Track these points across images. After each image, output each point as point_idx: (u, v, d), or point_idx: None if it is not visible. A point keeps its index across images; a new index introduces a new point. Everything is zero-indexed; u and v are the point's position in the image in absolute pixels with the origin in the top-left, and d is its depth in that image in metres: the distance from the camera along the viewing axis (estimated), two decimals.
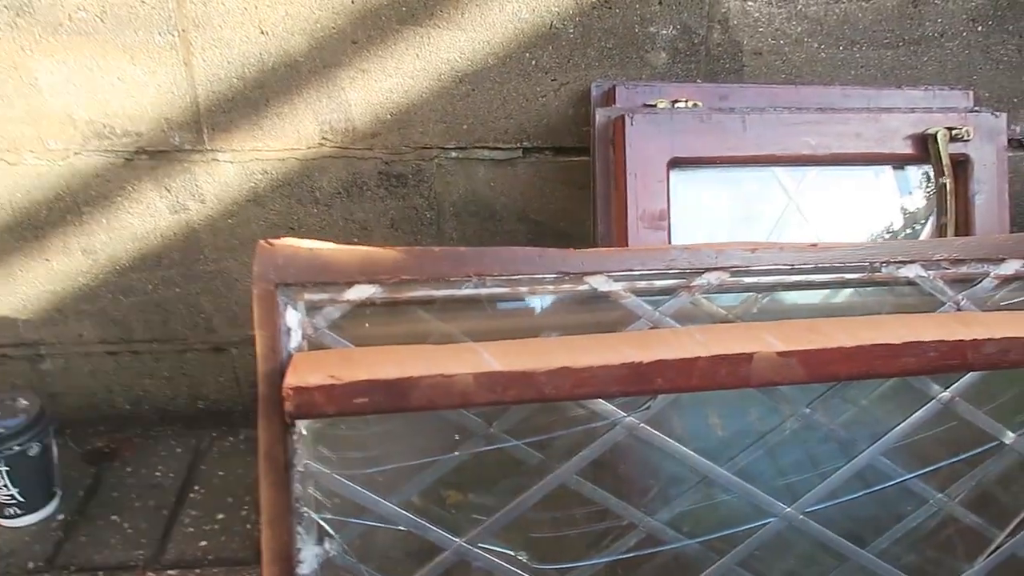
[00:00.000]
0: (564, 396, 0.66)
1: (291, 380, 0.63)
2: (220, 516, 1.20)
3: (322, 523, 0.71)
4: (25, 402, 1.13)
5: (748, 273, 0.76)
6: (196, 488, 1.25)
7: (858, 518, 0.89)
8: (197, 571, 1.10)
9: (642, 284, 0.75)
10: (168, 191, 1.14)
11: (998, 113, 1.04)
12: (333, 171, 1.15)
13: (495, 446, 0.74)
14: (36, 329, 1.23)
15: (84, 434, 1.34)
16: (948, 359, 0.71)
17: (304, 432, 0.69)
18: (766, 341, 0.69)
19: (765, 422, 0.93)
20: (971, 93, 1.13)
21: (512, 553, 0.75)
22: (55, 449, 1.18)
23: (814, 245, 0.76)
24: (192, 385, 1.31)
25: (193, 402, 1.33)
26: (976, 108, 1.09)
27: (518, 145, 1.16)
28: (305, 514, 0.71)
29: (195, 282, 1.21)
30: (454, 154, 1.15)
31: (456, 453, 0.72)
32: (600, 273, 0.73)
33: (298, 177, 1.15)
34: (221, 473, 1.28)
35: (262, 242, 0.68)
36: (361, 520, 0.74)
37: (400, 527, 0.73)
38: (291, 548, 0.71)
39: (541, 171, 1.17)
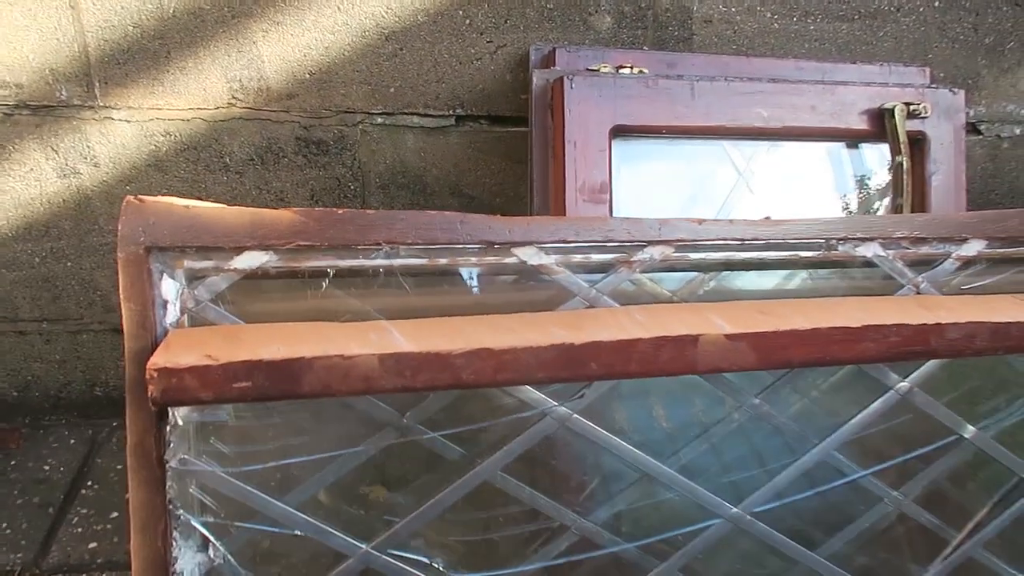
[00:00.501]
0: (484, 382, 0.57)
1: (157, 360, 0.53)
2: (114, 515, 1.08)
3: (202, 528, 0.61)
4: None
5: (695, 248, 0.68)
6: (89, 484, 1.13)
7: (806, 517, 0.83)
8: None
9: (577, 258, 0.67)
10: (55, 152, 1.01)
11: (956, 90, 0.98)
12: (245, 135, 1.04)
13: (408, 438, 0.64)
14: None
15: None
16: (910, 345, 0.64)
17: (180, 422, 0.59)
18: (713, 322, 0.62)
19: (709, 414, 0.86)
20: (927, 71, 1.08)
21: (427, 560, 0.66)
22: None
23: (767, 219, 0.69)
24: (88, 369, 1.19)
25: (89, 388, 1.21)
26: (933, 85, 1.04)
27: (451, 112, 1.06)
28: (182, 517, 0.61)
29: (89, 255, 1.09)
30: (380, 120, 1.05)
31: (360, 448, 0.63)
32: (530, 244, 0.65)
33: (205, 140, 1.03)
34: (119, 467, 1.16)
35: (129, 198, 0.57)
36: (251, 524, 0.64)
37: (296, 532, 0.63)
38: (166, 556, 0.61)
39: (476, 141, 1.08)
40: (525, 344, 0.57)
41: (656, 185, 0.96)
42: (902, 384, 0.72)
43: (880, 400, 0.73)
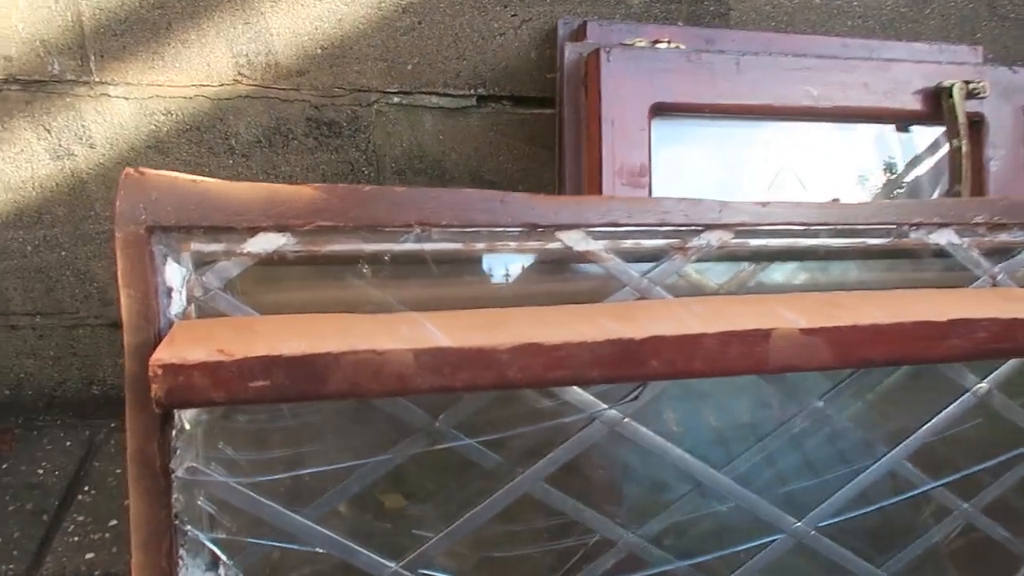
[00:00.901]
0: (532, 381, 0.50)
1: (162, 355, 0.46)
2: (113, 523, 1.01)
3: (211, 545, 0.55)
4: None
5: (756, 233, 0.61)
6: (86, 489, 1.06)
7: (865, 532, 0.76)
8: None
9: (627, 244, 0.60)
10: (48, 131, 0.94)
11: (1017, 68, 0.92)
12: (252, 114, 0.97)
13: (442, 445, 0.58)
14: None
15: None
16: (999, 342, 0.58)
17: (187, 426, 0.52)
18: (783, 316, 0.55)
19: (758, 418, 0.80)
20: (980, 49, 1.01)
21: None
22: None
23: (835, 200, 0.62)
24: (85, 367, 1.12)
25: (86, 387, 1.14)
26: (989, 63, 0.97)
27: (472, 92, 0.99)
28: (190, 533, 0.54)
29: (85, 244, 1.02)
30: (397, 99, 0.98)
31: (388, 455, 0.56)
32: (577, 227, 0.58)
33: (209, 120, 0.96)
34: (118, 471, 1.09)
35: (129, 170, 0.50)
36: (266, 540, 0.58)
37: (319, 549, 0.57)
38: None
39: (498, 124, 1.01)
40: (579, 339, 0.50)
41: (696, 169, 0.89)
42: (980, 386, 0.66)
43: (956, 404, 0.66)
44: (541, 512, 0.69)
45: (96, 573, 0.94)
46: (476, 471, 0.66)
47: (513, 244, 0.58)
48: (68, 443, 1.12)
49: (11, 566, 0.94)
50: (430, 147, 1.01)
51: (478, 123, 1.01)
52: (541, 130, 1.02)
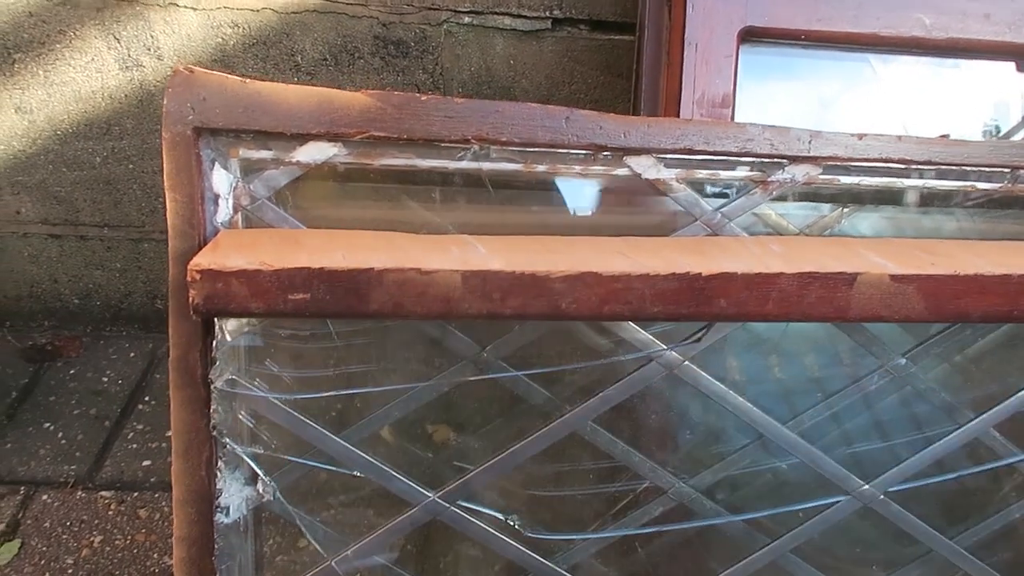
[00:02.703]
0: (586, 314, 0.47)
1: (202, 260, 0.44)
2: (170, 433, 1.03)
3: (249, 460, 0.54)
4: None
5: (848, 169, 0.55)
6: (146, 399, 1.08)
7: (937, 501, 0.71)
8: (135, 494, 0.94)
9: (702, 174, 0.55)
10: (117, 41, 0.94)
11: None
12: (319, 31, 0.94)
13: (487, 376, 0.55)
14: None
15: (26, 328, 1.17)
16: None
17: (228, 337, 0.51)
18: (872, 260, 0.50)
19: (829, 372, 0.74)
20: None
21: (501, 516, 0.57)
22: None
23: (944, 136, 0.56)
24: (149, 281, 1.14)
25: (150, 300, 1.15)
26: None
27: (547, 14, 0.94)
28: (228, 446, 0.53)
29: (151, 158, 1.02)
30: (468, 19, 0.93)
31: (432, 382, 0.53)
32: (647, 152, 0.53)
33: (276, 35, 0.94)
34: None
35: (178, 66, 0.48)
36: (305, 460, 0.56)
37: (356, 472, 0.55)
38: (210, 487, 0.54)
39: (573, 50, 0.96)
40: (640, 271, 0.46)
41: (783, 107, 0.83)
42: None
43: None
44: (588, 454, 0.66)
45: (152, 479, 0.96)
46: (524, 407, 0.63)
47: (576, 167, 0.54)
48: (132, 354, 1.15)
49: (73, 467, 0.97)
50: (499, 72, 0.97)
51: (551, 48, 0.95)
52: (618, 58, 0.96)
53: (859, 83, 0.82)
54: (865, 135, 0.54)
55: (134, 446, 1.01)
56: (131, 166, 1.03)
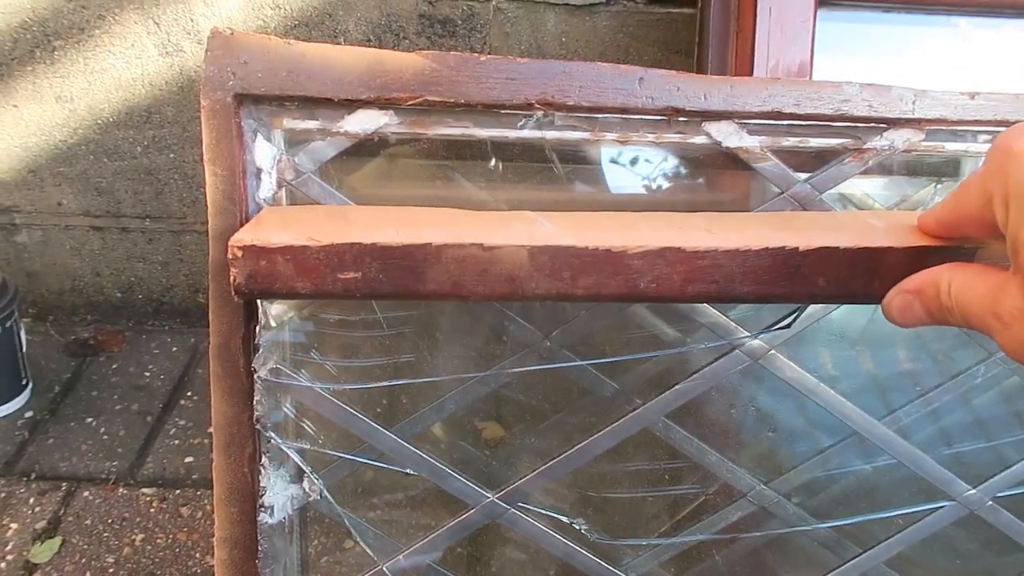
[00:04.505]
0: (668, 294, 0.42)
1: (244, 236, 0.40)
2: (212, 430, 1.00)
3: (295, 456, 0.50)
4: None
5: (955, 134, 0.49)
6: (188, 394, 1.06)
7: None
8: (178, 492, 0.92)
9: (790, 142, 0.50)
10: (157, 25, 0.91)
11: None
12: (362, 10, 0.90)
13: (551, 365, 0.50)
14: (8, 192, 1.03)
15: (68, 322, 1.16)
16: None
17: (272, 323, 0.47)
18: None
19: (922, 366, 0.68)
20: None
21: (566, 520, 0.52)
22: (23, 334, 0.99)
23: None
24: (191, 274, 1.11)
25: (192, 294, 1.13)
26: None
27: None
28: (272, 441, 0.49)
29: (192, 147, 0.99)
30: None
31: (491, 370, 0.49)
32: (729, 117, 0.48)
33: (318, 16, 0.90)
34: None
35: (216, 28, 0.44)
36: (355, 457, 0.52)
37: (410, 471, 0.51)
38: (253, 485, 0.50)
39: (628, 25, 0.90)
40: (729, 246, 0.41)
41: (863, 75, 0.76)
42: None
43: None
44: (658, 452, 0.61)
45: (194, 476, 0.93)
46: (586, 402, 0.58)
47: (650, 135, 0.49)
48: (174, 348, 1.13)
49: (115, 463, 0.95)
50: (551, 50, 0.92)
51: (606, 23, 0.90)
52: (677, 33, 0.90)
53: (946, 50, 0.76)
54: (978, 93, 0.48)
55: (176, 442, 0.98)
56: (172, 155, 1.00)
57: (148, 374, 1.08)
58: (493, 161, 0.58)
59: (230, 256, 0.40)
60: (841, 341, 0.64)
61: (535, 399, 0.66)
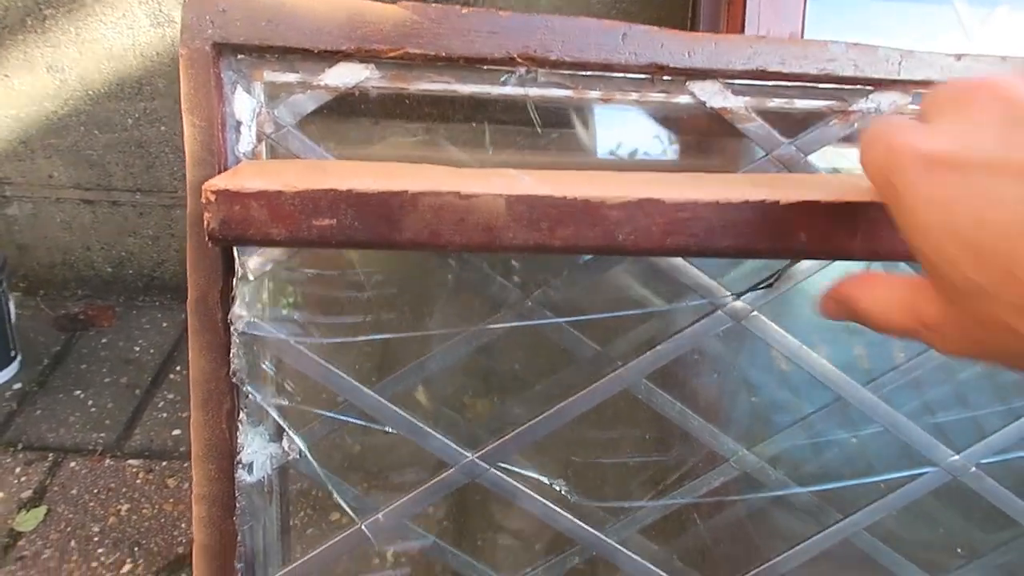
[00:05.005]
0: (646, 246, 0.41)
1: (217, 181, 0.40)
2: None
3: (274, 413, 0.49)
4: None
5: None
6: (178, 368, 1.06)
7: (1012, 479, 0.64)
8: (164, 463, 0.92)
9: (775, 103, 0.49)
10: None
11: None
12: None
13: (530, 322, 0.50)
14: None
15: (59, 297, 1.15)
16: None
17: (250, 276, 0.47)
18: None
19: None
20: None
21: (546, 480, 0.52)
22: (12, 307, 0.99)
23: None
24: (182, 249, 1.11)
25: (183, 269, 1.12)
26: None
27: None
28: (251, 397, 0.49)
29: None
30: None
31: (471, 328, 0.49)
32: (713, 76, 0.47)
33: None
34: None
35: None
36: (334, 414, 0.52)
37: (389, 429, 0.51)
38: (231, 442, 0.50)
39: (622, 0, 0.90)
40: (709, 198, 0.41)
41: None
42: None
43: None
44: (639, 418, 0.61)
45: (181, 449, 0.93)
46: (569, 370, 0.58)
47: (634, 94, 0.48)
48: (164, 324, 1.12)
49: (102, 435, 0.94)
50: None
51: None
52: (673, 10, 0.90)
53: (940, 32, 0.75)
54: (964, 55, 0.47)
55: (164, 415, 0.98)
56: (163, 128, 1.00)
57: (138, 348, 1.08)
58: (475, 123, 0.58)
59: (203, 201, 0.39)
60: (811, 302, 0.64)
61: (519, 366, 0.66)
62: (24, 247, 1.10)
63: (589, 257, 0.52)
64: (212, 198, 0.39)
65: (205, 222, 0.40)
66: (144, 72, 0.96)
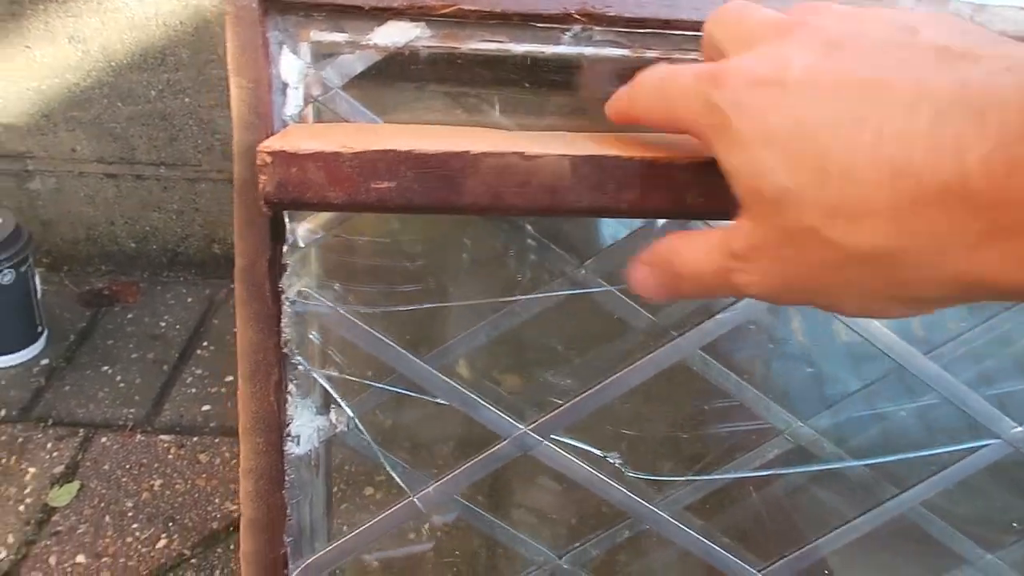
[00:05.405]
0: (718, 209, 0.39)
1: (273, 143, 0.38)
2: (229, 379, 1.00)
3: (324, 383, 0.48)
4: None
5: None
6: (205, 344, 1.05)
7: None
8: (195, 439, 0.91)
9: None
10: None
11: None
12: None
13: (584, 290, 0.49)
14: (21, 138, 1.01)
15: (83, 273, 1.15)
16: None
17: (300, 243, 0.45)
18: None
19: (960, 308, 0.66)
20: None
21: (599, 452, 0.51)
22: (37, 282, 0.98)
23: None
24: (206, 224, 1.10)
25: (207, 244, 1.12)
26: None
27: None
28: (300, 368, 0.48)
29: (208, 91, 0.97)
30: None
31: (525, 296, 0.47)
32: None
33: None
34: (235, 330, 1.07)
35: None
36: (384, 385, 0.51)
37: (440, 400, 0.50)
38: (279, 414, 0.49)
39: None
40: None
41: None
42: None
43: None
44: (695, 391, 0.60)
45: (212, 424, 0.93)
46: (623, 334, 0.57)
47: (694, 53, 0.46)
48: (189, 299, 1.11)
49: (132, 410, 0.94)
50: None
51: None
52: None
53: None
54: (986, 6, 0.45)
55: (193, 391, 0.97)
56: (187, 99, 0.98)
57: (164, 324, 1.07)
58: (523, 88, 0.56)
59: (259, 163, 0.38)
60: None
61: (554, 340, 0.65)
62: (47, 222, 1.09)
63: (642, 223, 0.50)
64: (268, 160, 0.38)
65: (260, 185, 0.38)
66: (167, 42, 0.94)
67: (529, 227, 0.52)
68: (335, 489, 0.84)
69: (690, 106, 0.29)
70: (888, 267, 0.23)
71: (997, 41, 0.22)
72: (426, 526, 0.81)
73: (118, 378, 0.98)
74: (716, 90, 0.27)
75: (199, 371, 1.00)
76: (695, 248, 0.31)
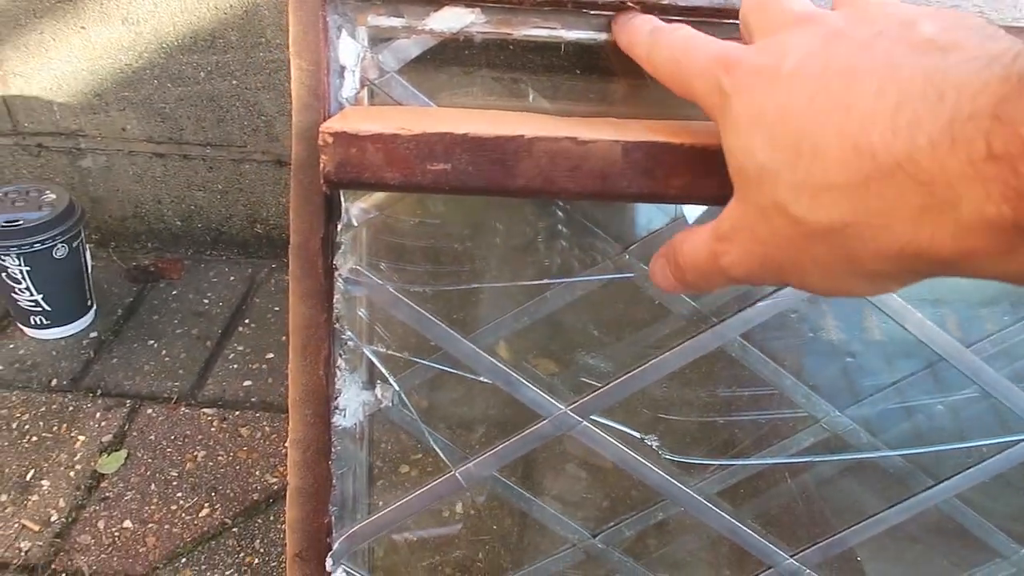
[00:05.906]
0: None
1: (334, 124, 0.40)
2: (270, 356, 1.02)
3: (373, 358, 0.50)
4: (52, 195, 0.95)
5: None
6: (246, 322, 1.07)
7: None
8: (237, 413, 0.94)
9: None
10: None
11: None
12: None
13: (629, 275, 0.50)
14: (75, 116, 1.04)
15: (130, 249, 1.18)
16: None
17: (355, 222, 0.47)
18: None
19: (998, 306, 0.66)
20: None
21: (637, 435, 0.52)
22: (88, 257, 1.01)
23: None
24: (249, 204, 1.12)
25: (250, 224, 1.14)
26: None
27: None
28: (350, 343, 0.49)
29: (255, 73, 0.99)
30: None
31: (563, 279, 0.48)
32: None
33: None
34: (276, 309, 1.10)
35: None
36: (430, 363, 0.53)
37: (484, 378, 0.51)
38: (327, 388, 0.50)
39: None
40: None
41: None
42: None
43: None
44: (733, 377, 0.60)
45: (253, 400, 0.95)
46: (664, 319, 0.57)
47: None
48: (232, 278, 1.14)
49: (176, 384, 0.97)
50: None
51: None
52: None
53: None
54: None
55: (235, 366, 1.00)
56: (235, 82, 1.00)
57: (207, 301, 1.10)
58: (571, 75, 0.57)
59: (320, 143, 0.39)
60: None
61: (606, 321, 0.65)
62: (97, 200, 1.12)
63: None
64: (329, 140, 0.39)
65: (321, 164, 0.40)
66: (217, 24, 0.96)
67: (569, 213, 0.53)
68: None
69: (703, 86, 0.31)
70: (843, 241, 0.24)
71: (991, 37, 0.23)
72: (458, 505, 0.83)
73: (163, 352, 1.01)
74: (725, 75, 0.28)
75: (241, 348, 1.03)
76: (694, 238, 0.32)
